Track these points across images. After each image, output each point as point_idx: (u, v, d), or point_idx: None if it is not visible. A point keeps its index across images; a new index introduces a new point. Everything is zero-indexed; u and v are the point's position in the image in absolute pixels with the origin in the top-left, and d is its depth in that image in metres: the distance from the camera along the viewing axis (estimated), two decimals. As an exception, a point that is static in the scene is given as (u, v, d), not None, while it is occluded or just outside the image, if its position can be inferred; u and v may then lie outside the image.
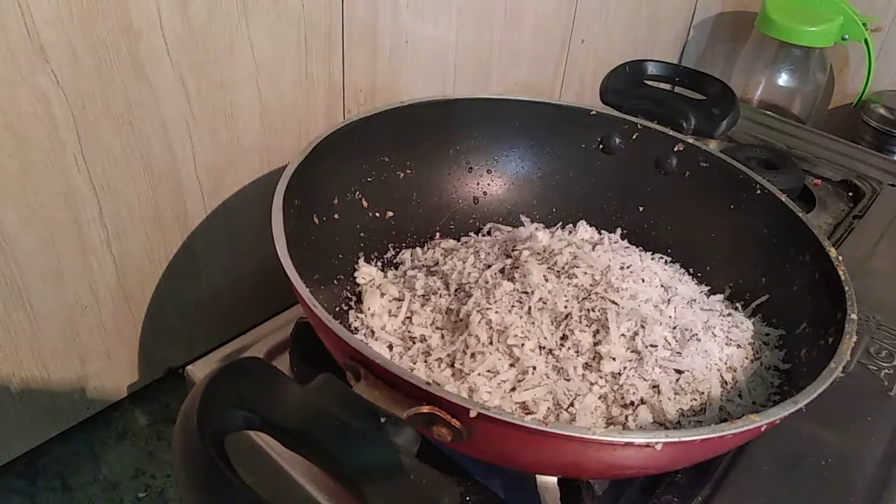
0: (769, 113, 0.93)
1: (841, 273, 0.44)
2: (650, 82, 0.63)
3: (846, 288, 0.42)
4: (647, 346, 0.43)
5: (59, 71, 0.40)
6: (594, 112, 0.58)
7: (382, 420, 0.28)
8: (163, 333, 0.54)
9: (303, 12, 0.51)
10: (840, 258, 0.45)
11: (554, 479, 0.41)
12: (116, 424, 0.55)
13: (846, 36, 0.94)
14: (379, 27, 0.57)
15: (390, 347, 0.45)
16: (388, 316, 0.47)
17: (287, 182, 0.43)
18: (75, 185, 0.43)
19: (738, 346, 0.46)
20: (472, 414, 0.30)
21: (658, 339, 0.43)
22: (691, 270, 0.55)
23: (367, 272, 0.50)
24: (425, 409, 0.31)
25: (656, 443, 0.31)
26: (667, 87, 0.65)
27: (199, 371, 0.48)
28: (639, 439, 0.31)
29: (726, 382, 0.44)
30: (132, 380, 0.54)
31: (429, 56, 0.64)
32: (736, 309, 0.51)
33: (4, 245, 0.42)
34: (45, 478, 0.52)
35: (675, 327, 0.45)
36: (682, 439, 0.31)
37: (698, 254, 0.55)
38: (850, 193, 0.79)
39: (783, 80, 0.99)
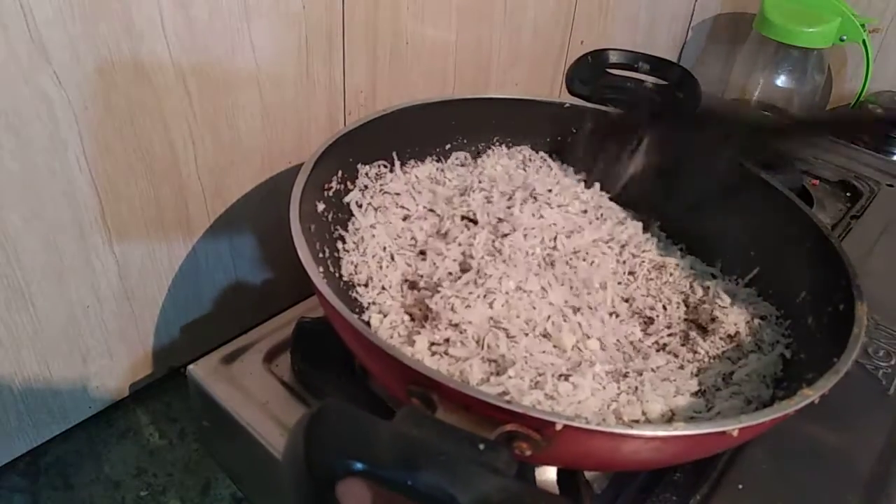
0: (767, 114, 0.94)
1: (833, 241, 0.44)
2: (613, 70, 0.63)
3: (841, 255, 0.43)
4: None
5: (60, 72, 0.40)
6: (568, 105, 0.58)
7: (481, 447, 0.27)
8: (164, 333, 0.54)
9: (304, 13, 0.51)
10: (829, 227, 0.46)
11: (553, 478, 0.42)
12: (118, 423, 0.55)
13: (844, 37, 0.94)
14: (379, 28, 0.57)
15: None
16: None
17: (301, 188, 0.42)
18: (77, 185, 0.44)
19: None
20: (558, 427, 0.30)
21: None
22: (683, 247, 0.55)
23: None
24: (509, 427, 0.30)
25: (733, 429, 0.32)
26: (630, 74, 0.65)
27: (201, 370, 0.48)
28: (718, 428, 0.32)
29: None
30: (134, 379, 0.54)
31: (429, 57, 0.64)
32: (735, 283, 0.51)
33: (7, 245, 0.42)
34: (47, 476, 0.52)
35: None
36: (756, 422, 0.32)
37: (684, 230, 0.55)
38: (848, 194, 0.79)
39: (781, 80, 0.99)
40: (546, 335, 0.43)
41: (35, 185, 0.42)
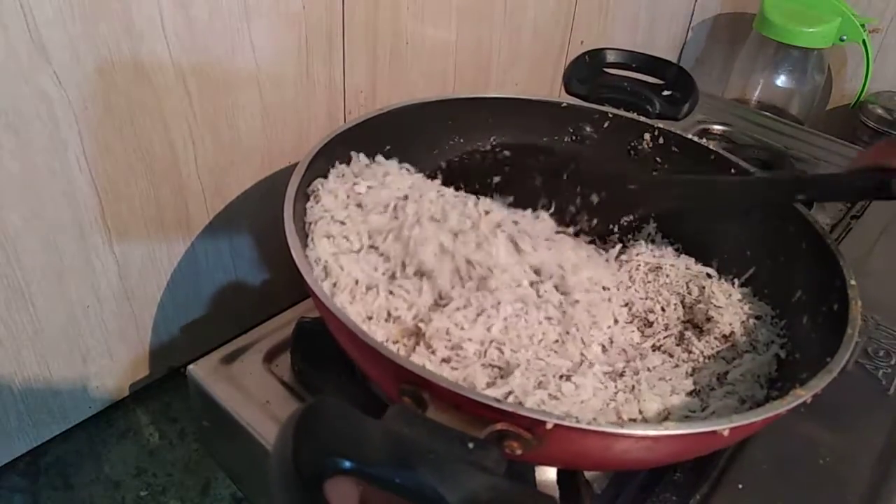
0: (767, 114, 0.94)
1: (829, 242, 0.44)
2: (610, 70, 0.63)
3: (837, 255, 0.43)
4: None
5: (60, 72, 0.40)
6: (565, 104, 0.58)
7: (470, 445, 0.27)
8: (164, 333, 0.54)
9: (304, 13, 0.51)
10: (825, 226, 0.46)
11: (553, 478, 0.42)
12: (118, 423, 0.55)
13: (844, 37, 0.94)
14: (379, 28, 0.57)
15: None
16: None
17: (296, 188, 0.42)
18: (77, 185, 0.44)
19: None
20: (549, 426, 0.30)
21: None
22: (679, 247, 0.55)
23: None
24: (499, 426, 0.30)
25: (723, 429, 0.32)
26: (626, 73, 0.65)
27: (201, 370, 0.48)
28: (707, 428, 0.32)
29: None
30: (134, 379, 0.54)
31: (429, 57, 0.64)
32: (731, 283, 0.51)
33: (7, 245, 0.42)
34: (47, 476, 0.52)
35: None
36: (747, 422, 0.32)
37: (680, 229, 0.55)
38: (848, 194, 0.79)
39: (781, 80, 1.00)
40: (553, 350, 0.43)
41: (35, 185, 0.42)
